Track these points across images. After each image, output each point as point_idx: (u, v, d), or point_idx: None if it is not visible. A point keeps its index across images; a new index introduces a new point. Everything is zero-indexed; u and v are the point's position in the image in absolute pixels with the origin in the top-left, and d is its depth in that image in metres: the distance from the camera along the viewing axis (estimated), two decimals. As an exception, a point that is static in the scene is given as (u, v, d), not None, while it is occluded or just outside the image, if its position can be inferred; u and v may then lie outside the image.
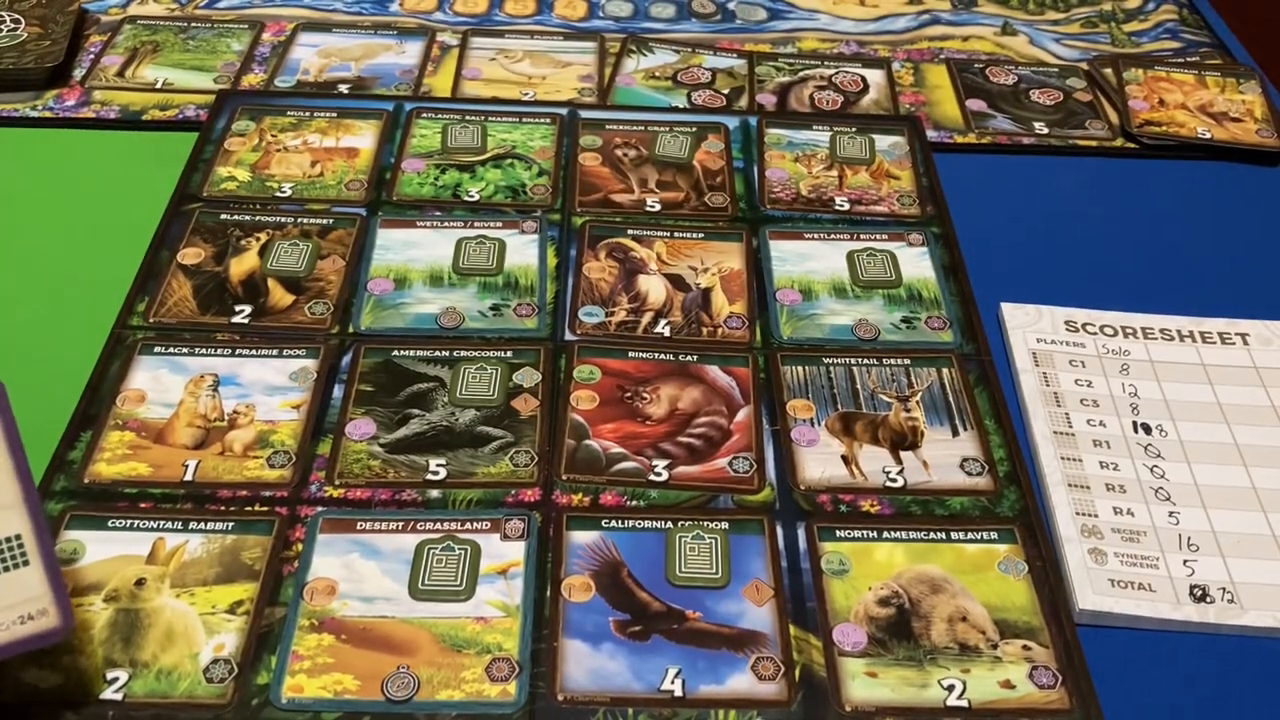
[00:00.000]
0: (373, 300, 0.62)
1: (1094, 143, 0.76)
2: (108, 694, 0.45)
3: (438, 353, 0.59)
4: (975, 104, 0.79)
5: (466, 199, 0.69)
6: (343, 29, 0.84)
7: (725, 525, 0.52)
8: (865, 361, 0.60)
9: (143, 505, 0.52)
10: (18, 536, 0.42)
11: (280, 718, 0.45)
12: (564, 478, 0.54)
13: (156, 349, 0.59)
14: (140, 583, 0.49)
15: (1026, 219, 0.71)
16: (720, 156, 0.73)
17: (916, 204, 0.70)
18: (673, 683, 0.47)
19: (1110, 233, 0.70)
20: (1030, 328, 0.62)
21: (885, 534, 0.52)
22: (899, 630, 0.49)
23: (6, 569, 0.42)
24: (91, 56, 0.79)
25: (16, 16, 0.79)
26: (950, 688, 0.47)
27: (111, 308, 0.61)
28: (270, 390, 0.57)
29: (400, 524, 0.52)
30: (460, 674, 0.46)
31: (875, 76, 0.82)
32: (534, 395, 0.57)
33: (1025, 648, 0.48)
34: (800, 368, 0.60)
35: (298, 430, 0.55)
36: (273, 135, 0.73)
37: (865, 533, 0.52)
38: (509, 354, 0.60)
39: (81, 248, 0.65)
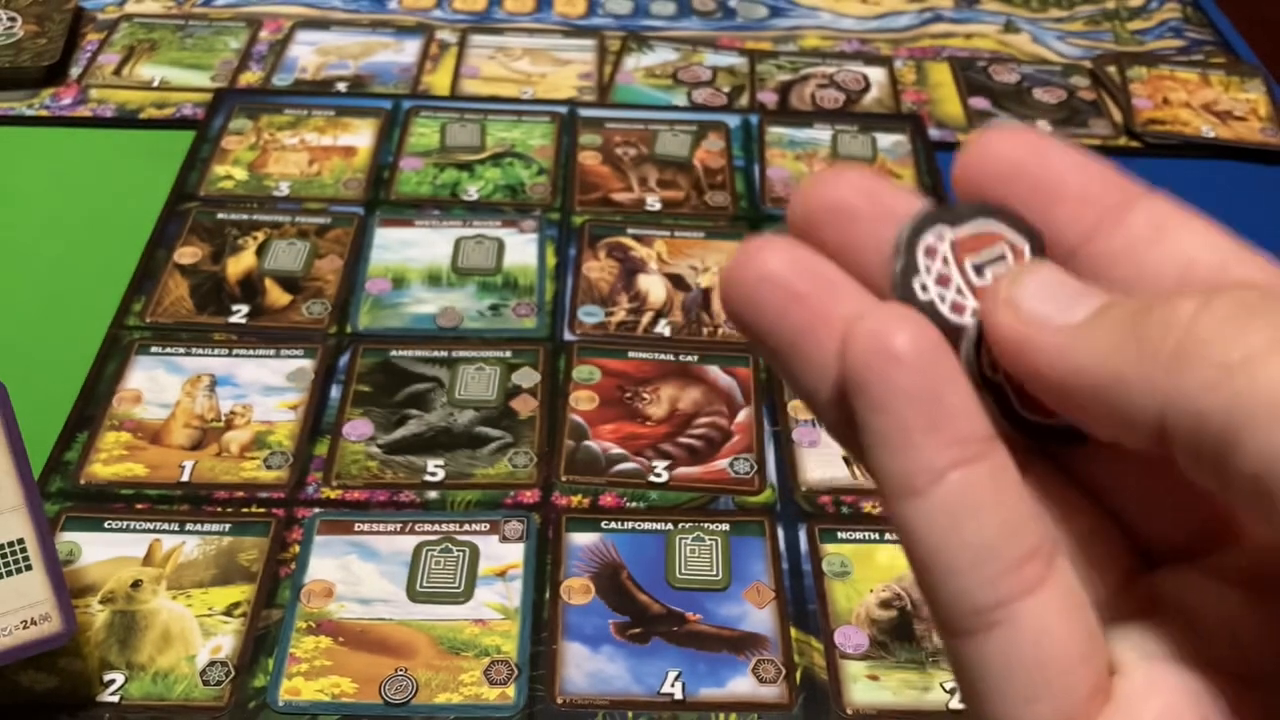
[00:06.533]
0: (370, 300, 0.62)
1: (1097, 141, 0.76)
2: (104, 696, 0.45)
3: (436, 353, 0.59)
4: (978, 102, 0.79)
5: (465, 198, 0.69)
6: (341, 27, 0.83)
7: (726, 527, 0.52)
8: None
9: (139, 506, 0.52)
10: (20, 541, 0.42)
11: (277, 721, 0.45)
12: (563, 479, 0.53)
13: (153, 349, 0.58)
14: (137, 585, 0.48)
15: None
16: (721, 155, 0.73)
17: (918, 203, 0.70)
18: (673, 685, 0.46)
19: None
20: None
21: (887, 536, 0.52)
22: (901, 633, 0.48)
23: (9, 573, 0.42)
24: (88, 54, 0.79)
25: (13, 14, 0.79)
26: (953, 690, 0.46)
27: (108, 307, 0.60)
28: (267, 390, 0.57)
29: (398, 525, 0.51)
30: (459, 677, 0.46)
31: (877, 74, 0.81)
32: (533, 396, 0.57)
33: (1028, 650, 0.48)
34: (801, 368, 0.59)
35: (295, 431, 0.55)
36: (270, 134, 0.72)
37: (867, 534, 0.52)
38: (508, 354, 0.59)
39: (78, 247, 0.65)
